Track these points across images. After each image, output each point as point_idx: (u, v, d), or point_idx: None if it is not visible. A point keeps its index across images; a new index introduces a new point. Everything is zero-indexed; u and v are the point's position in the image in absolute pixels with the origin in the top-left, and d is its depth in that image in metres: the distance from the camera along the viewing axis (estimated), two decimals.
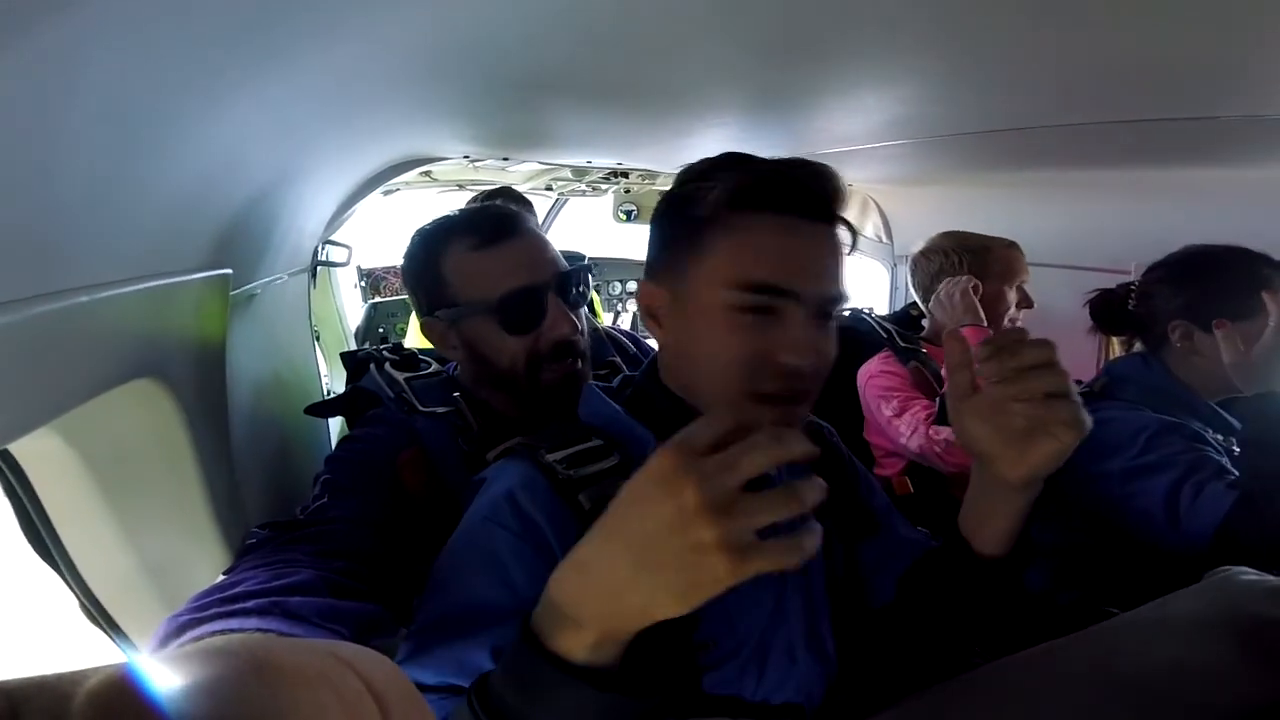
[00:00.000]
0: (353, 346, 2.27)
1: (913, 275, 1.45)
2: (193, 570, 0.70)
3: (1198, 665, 0.47)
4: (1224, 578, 0.55)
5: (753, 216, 0.55)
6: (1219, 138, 1.04)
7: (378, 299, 2.18)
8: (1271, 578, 0.53)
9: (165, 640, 0.46)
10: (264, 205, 0.86)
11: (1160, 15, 0.56)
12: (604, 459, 0.57)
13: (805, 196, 0.56)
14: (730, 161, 0.58)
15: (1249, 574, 0.54)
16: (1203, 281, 1.00)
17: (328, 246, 1.55)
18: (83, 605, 0.69)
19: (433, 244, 0.81)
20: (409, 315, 1.99)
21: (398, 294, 2.20)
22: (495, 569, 0.52)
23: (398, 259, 2.31)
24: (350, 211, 1.63)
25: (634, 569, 0.36)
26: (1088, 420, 0.48)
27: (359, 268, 2.22)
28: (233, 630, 0.44)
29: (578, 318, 0.80)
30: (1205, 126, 0.95)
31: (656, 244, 0.62)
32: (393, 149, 1.33)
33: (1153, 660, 0.49)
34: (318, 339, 2.20)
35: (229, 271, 0.74)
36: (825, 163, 0.57)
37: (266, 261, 0.99)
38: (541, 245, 0.81)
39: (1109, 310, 1.13)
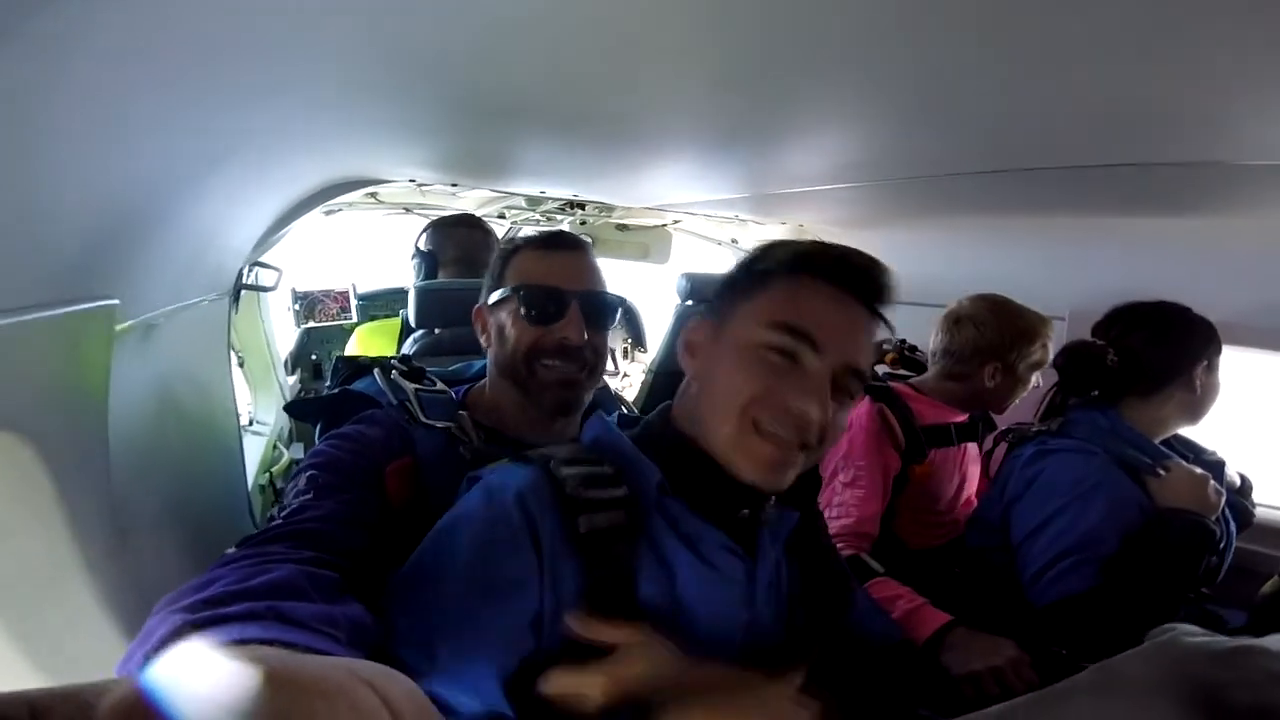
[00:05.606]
0: (281, 373, 2.12)
1: (946, 334, 1.38)
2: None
3: None
4: (1169, 639, 0.54)
5: (807, 279, 0.61)
6: (1154, 186, 1.09)
7: (311, 324, 2.04)
8: (1219, 637, 0.53)
9: (163, 641, 0.43)
10: (168, 224, 0.77)
11: (1099, 64, 0.57)
12: (613, 487, 0.59)
13: (860, 279, 0.61)
14: (805, 242, 0.65)
15: (1195, 634, 0.54)
16: (1184, 338, 1.07)
17: (256, 269, 1.43)
18: None
19: (512, 247, 0.92)
20: (344, 342, 1.87)
21: (335, 319, 2.07)
22: (511, 585, 0.53)
23: (335, 282, 2.20)
24: (284, 231, 1.52)
25: None
26: None
27: (294, 290, 2.07)
28: (234, 638, 0.43)
29: (595, 338, 0.87)
30: (1141, 175, 0.99)
31: (719, 293, 0.68)
32: (331, 168, 1.25)
33: None
34: (242, 365, 2.04)
35: (115, 302, 0.65)
36: (831, 242, 0.64)
37: (172, 287, 0.89)
38: (587, 266, 0.90)
39: (1086, 368, 1.11)
